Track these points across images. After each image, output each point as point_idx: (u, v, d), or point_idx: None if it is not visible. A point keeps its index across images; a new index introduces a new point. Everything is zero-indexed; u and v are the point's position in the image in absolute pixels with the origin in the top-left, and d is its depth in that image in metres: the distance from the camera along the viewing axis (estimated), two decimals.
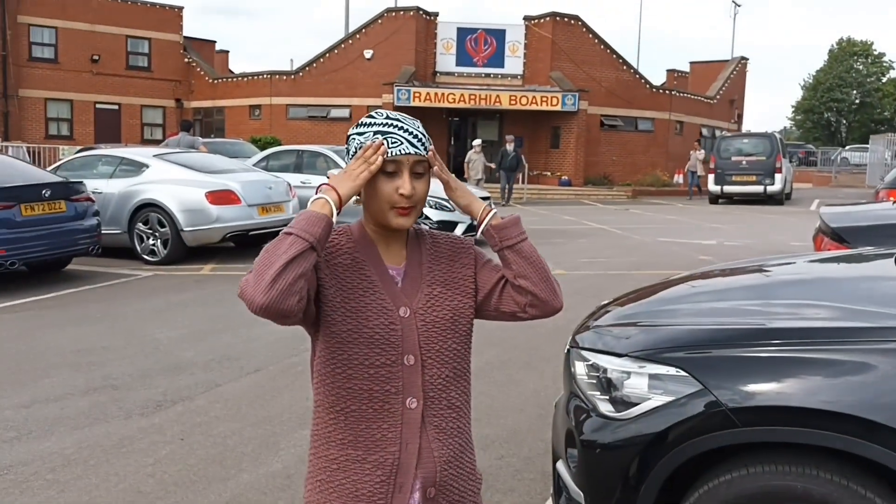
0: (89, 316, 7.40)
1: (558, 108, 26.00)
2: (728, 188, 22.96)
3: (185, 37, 31.22)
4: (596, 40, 28.00)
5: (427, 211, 11.59)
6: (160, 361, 5.86)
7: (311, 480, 1.75)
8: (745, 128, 37.30)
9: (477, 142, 21.52)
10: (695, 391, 2.37)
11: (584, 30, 27.81)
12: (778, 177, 22.36)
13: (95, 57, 28.23)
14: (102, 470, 3.98)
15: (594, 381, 2.67)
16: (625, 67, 28.70)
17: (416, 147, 1.67)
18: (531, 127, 27.07)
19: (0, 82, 25.39)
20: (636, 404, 2.48)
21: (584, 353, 2.79)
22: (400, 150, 1.65)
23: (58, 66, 27.53)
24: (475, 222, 1.79)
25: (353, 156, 1.71)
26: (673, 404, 2.40)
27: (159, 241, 10.21)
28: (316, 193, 1.67)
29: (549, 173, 27.17)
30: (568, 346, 3.02)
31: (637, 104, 28.68)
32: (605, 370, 2.63)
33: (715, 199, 23.31)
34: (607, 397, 2.58)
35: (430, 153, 1.71)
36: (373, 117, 1.71)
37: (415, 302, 1.72)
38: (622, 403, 2.52)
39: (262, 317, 1.54)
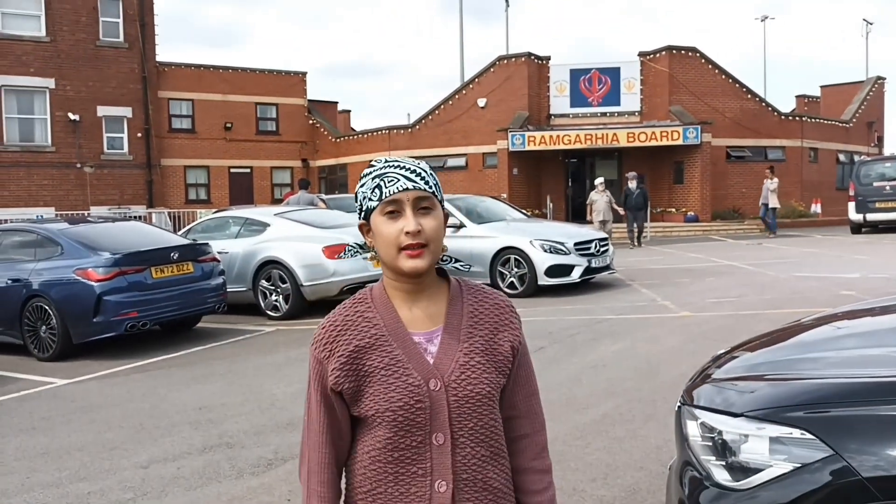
0: (212, 373, 7.62)
1: (679, 141, 25.19)
2: (871, 216, 21.36)
3: (309, 100, 32.72)
4: (716, 70, 27.08)
5: (540, 255, 11.36)
6: (274, 418, 5.90)
7: None
8: (887, 151, 34.76)
9: (599, 180, 20.07)
10: (824, 457, 2.04)
11: (703, 61, 26.98)
12: None
13: (228, 124, 30.01)
14: None
15: (708, 444, 2.37)
16: (749, 96, 27.55)
17: (415, 182, 1.56)
18: (652, 163, 26.35)
19: (144, 154, 27.41)
20: (756, 472, 2.17)
21: (696, 411, 2.50)
22: (397, 188, 1.55)
23: (195, 136, 29.46)
24: None
25: (360, 206, 1.62)
26: (798, 472, 2.07)
27: (281, 296, 10.50)
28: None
29: (673, 210, 26.25)
30: (679, 403, 2.72)
31: (765, 133, 27.38)
32: (719, 432, 2.33)
33: (858, 228, 21.75)
34: (723, 463, 2.28)
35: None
36: (372, 165, 1.62)
37: (448, 373, 1.56)
38: (740, 470, 2.21)
39: None
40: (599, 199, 19.38)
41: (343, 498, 1.65)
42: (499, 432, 1.62)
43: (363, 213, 1.61)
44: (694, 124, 25.22)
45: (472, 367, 1.57)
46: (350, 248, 1.73)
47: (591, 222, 19.62)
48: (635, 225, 20.27)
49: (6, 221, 19.01)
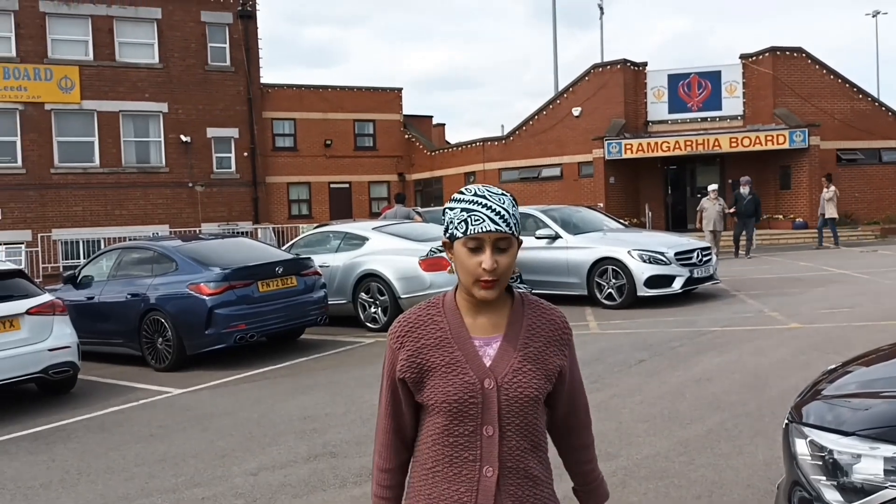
0: (315, 384, 7.85)
1: (785, 146, 24.18)
2: None
3: (404, 115, 33.29)
4: (824, 71, 25.89)
5: (638, 266, 11.15)
6: (375, 428, 6.02)
7: None
8: None
9: (712, 187, 18.98)
10: None
11: (810, 61, 25.84)
12: None
13: (328, 142, 30.89)
14: None
15: (818, 464, 2.29)
16: (860, 96, 26.17)
17: (498, 224, 1.75)
18: (756, 168, 25.36)
19: (250, 172, 28.55)
20: (870, 493, 2.08)
21: (805, 429, 2.41)
22: (482, 228, 1.74)
23: (297, 154, 30.46)
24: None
25: (447, 229, 1.82)
26: None
27: (380, 308, 10.71)
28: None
29: (780, 216, 25.20)
30: (787, 419, 2.64)
31: (879, 134, 25.92)
32: (829, 451, 2.24)
33: None
34: (834, 483, 2.20)
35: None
36: (462, 193, 1.81)
37: (502, 375, 1.78)
38: (853, 492, 2.13)
39: None
40: (711, 206, 18.36)
41: (409, 470, 1.91)
42: (540, 428, 1.85)
43: (448, 235, 1.82)
44: (801, 127, 24.17)
45: (524, 372, 1.79)
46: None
47: (699, 230, 18.85)
48: (744, 233, 19.13)
49: (125, 239, 20.20)
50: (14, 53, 24.43)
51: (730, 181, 24.45)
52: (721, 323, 9.56)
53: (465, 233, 1.75)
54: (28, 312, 7.61)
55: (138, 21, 26.19)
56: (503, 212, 1.76)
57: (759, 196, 20.00)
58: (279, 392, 7.61)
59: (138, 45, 26.29)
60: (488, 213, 1.75)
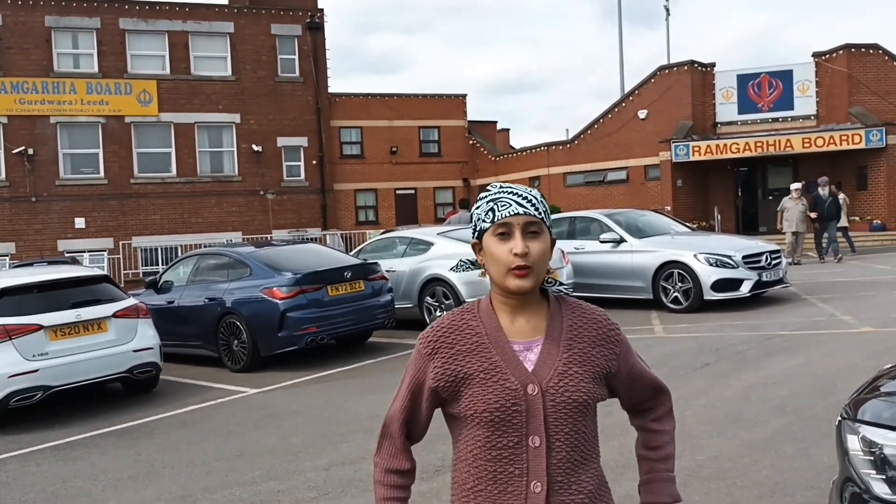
0: (383, 385, 8.08)
1: (862, 145, 23.44)
2: None
3: (469, 121, 33.53)
4: None
5: (705, 269, 11.05)
6: (441, 427, 6.11)
7: None
8: None
9: (795, 186, 18.04)
10: None
11: (887, 58, 24.98)
12: None
13: (394, 149, 31.37)
14: None
15: (869, 459, 2.35)
16: None
17: (526, 207, 1.68)
18: (830, 169, 24.61)
19: (318, 180, 29.24)
20: None
21: (857, 425, 2.48)
22: (509, 212, 1.68)
23: (363, 161, 31.03)
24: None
25: (474, 226, 1.77)
26: None
27: (445, 312, 10.88)
28: None
29: (857, 218, 24.38)
30: (840, 416, 2.69)
31: None
32: (880, 446, 2.31)
33: None
34: (883, 477, 2.26)
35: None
36: (488, 191, 1.76)
37: (546, 379, 1.67)
38: None
39: None
40: (793, 207, 17.46)
41: (450, 494, 1.82)
42: (590, 439, 1.73)
43: (476, 234, 1.76)
44: (877, 126, 23.40)
45: (570, 375, 1.68)
46: (462, 262, 1.88)
47: (779, 231, 18.23)
48: (825, 236, 18.16)
49: (201, 246, 20.97)
50: (96, 69, 25.64)
51: (803, 183, 23.82)
52: (790, 327, 9.41)
53: (493, 221, 1.69)
54: (115, 315, 8.07)
55: (212, 35, 27.16)
56: (531, 198, 1.71)
57: (839, 198, 19.21)
58: (348, 392, 7.87)
59: (212, 59, 27.25)
60: (515, 198, 1.70)
